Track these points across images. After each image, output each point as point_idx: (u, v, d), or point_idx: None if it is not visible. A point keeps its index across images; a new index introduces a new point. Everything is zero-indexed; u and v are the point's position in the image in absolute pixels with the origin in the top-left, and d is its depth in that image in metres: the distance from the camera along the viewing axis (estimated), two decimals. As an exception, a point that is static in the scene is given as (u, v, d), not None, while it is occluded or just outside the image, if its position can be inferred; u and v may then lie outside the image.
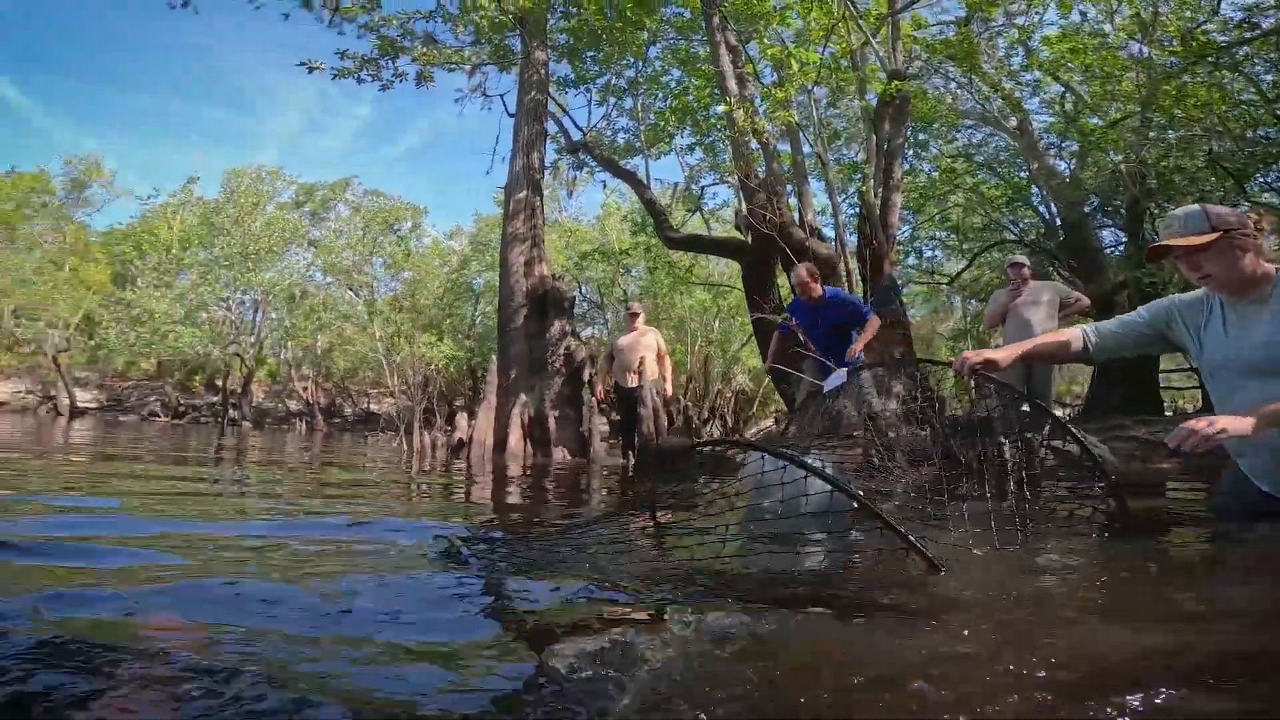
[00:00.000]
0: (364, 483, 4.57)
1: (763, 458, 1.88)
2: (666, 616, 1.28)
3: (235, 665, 0.96)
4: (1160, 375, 10.71)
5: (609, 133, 11.76)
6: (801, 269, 4.84)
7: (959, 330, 16.31)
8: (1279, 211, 2.81)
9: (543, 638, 1.18)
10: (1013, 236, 12.05)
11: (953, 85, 11.17)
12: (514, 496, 4.13)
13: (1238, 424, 1.60)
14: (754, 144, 7.95)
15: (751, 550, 1.82)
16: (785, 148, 9.03)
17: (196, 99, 75.45)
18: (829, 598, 1.40)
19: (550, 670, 1.01)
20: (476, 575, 1.69)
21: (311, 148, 71.66)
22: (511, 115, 9.81)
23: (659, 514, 2.08)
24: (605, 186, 16.39)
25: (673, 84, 10.96)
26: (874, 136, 7.83)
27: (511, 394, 7.85)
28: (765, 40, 8.79)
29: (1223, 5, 8.65)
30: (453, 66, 11.23)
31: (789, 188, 8.48)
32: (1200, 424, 1.59)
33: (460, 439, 7.86)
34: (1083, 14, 9.80)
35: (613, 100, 11.44)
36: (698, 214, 12.89)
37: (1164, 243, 1.82)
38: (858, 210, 8.27)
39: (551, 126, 10.41)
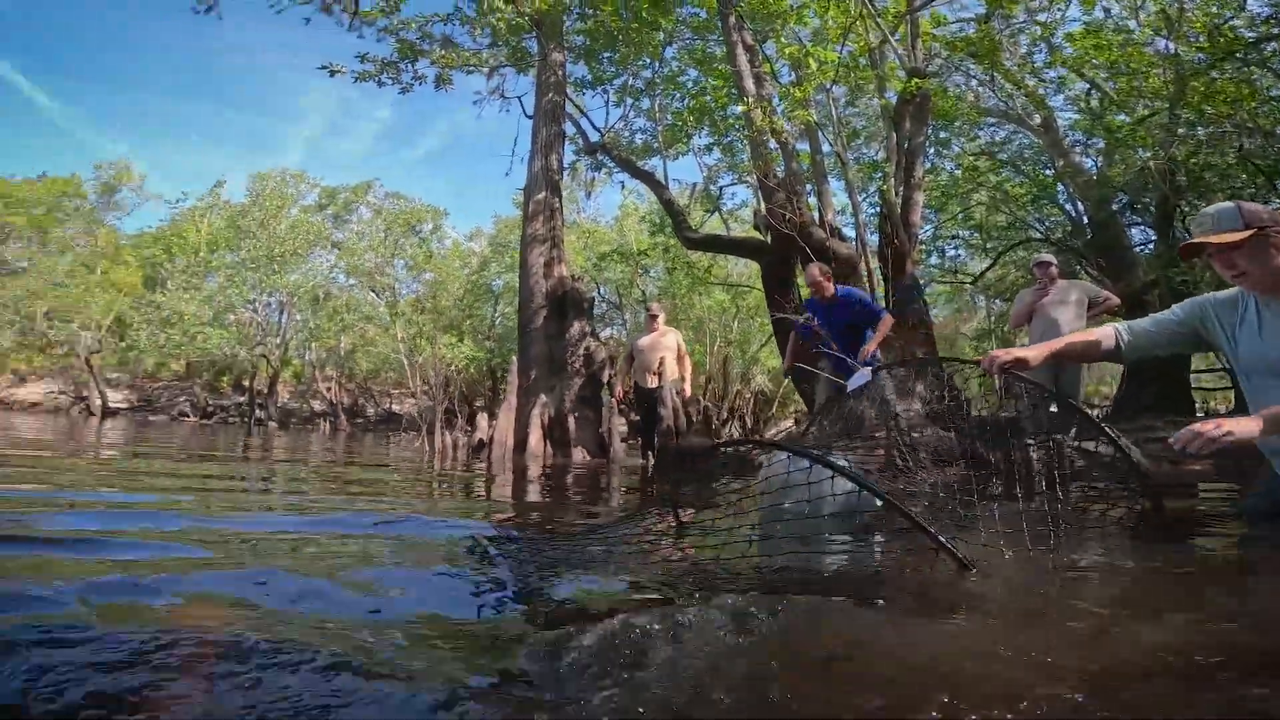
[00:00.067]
0: (388, 482, 4.63)
1: (789, 458, 1.88)
2: (683, 607, 1.29)
3: (272, 648, 0.99)
4: (1191, 375, 10.47)
5: (626, 133, 11.80)
6: (814, 268, 4.82)
7: (983, 330, 16.10)
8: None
9: (565, 627, 1.19)
10: (1038, 235, 11.86)
11: (974, 83, 11.04)
12: (535, 496, 4.16)
13: (1244, 427, 1.57)
14: (772, 143, 7.91)
15: (775, 550, 1.82)
16: (804, 147, 8.98)
17: (222, 103, 77.16)
18: (854, 593, 1.39)
19: (570, 657, 1.02)
20: (503, 572, 1.71)
21: (333, 151, 72.83)
22: (529, 117, 9.87)
23: (681, 513, 2.09)
24: (623, 187, 16.44)
25: (690, 84, 10.97)
26: (894, 135, 7.76)
27: (531, 394, 7.89)
28: (782, 39, 8.75)
29: (1249, 0, 8.47)
30: (471, 69, 11.33)
31: (808, 187, 8.44)
32: (1206, 426, 1.56)
33: (481, 439, 7.93)
34: (1106, 10, 9.63)
35: (630, 101, 11.47)
36: (716, 214, 12.88)
37: (1197, 240, 1.79)
38: (878, 209, 8.20)
39: (569, 128, 10.46)
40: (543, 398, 7.81)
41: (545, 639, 1.13)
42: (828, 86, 8.10)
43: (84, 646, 1.01)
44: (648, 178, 10.50)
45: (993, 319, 16.11)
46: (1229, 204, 1.79)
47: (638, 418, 7.71)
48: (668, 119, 10.97)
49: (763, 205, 8.43)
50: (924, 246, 12.28)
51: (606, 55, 11.06)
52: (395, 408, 24.16)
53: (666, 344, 6.48)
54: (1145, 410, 8.31)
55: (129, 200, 30.65)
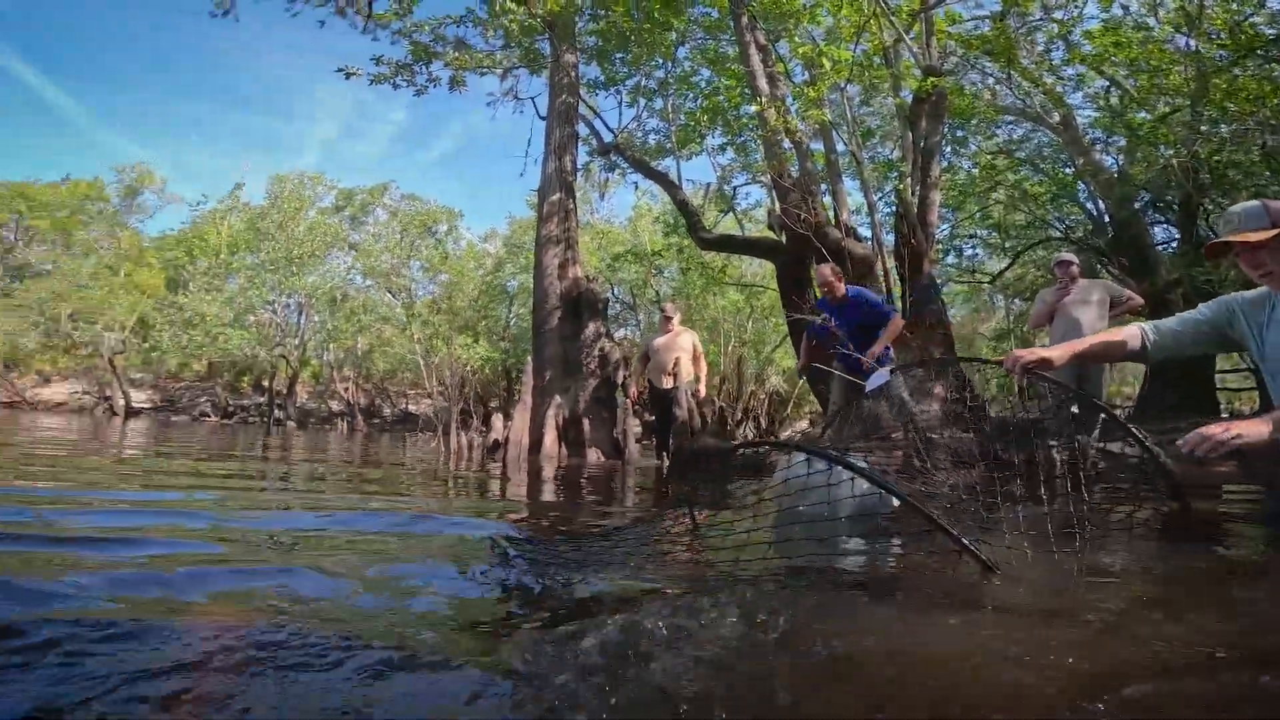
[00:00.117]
0: (404, 481, 4.67)
1: (807, 459, 1.87)
2: (697, 604, 1.29)
3: (302, 644, 1.00)
4: (1215, 376, 10.28)
5: (640, 134, 11.80)
6: (825, 268, 4.80)
7: (1001, 330, 15.91)
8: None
9: (577, 623, 1.20)
10: (1058, 234, 11.70)
11: (990, 80, 10.91)
12: (550, 496, 4.18)
13: (1254, 429, 1.54)
14: (786, 143, 7.88)
15: (791, 552, 1.82)
16: (818, 146, 8.92)
17: (240, 106, 78.29)
18: (874, 592, 1.39)
19: (582, 655, 1.03)
20: (522, 572, 1.72)
21: (349, 153, 73.44)
22: (543, 118, 9.91)
23: (697, 514, 2.09)
24: (637, 188, 16.46)
25: (702, 84, 10.94)
26: (910, 134, 7.70)
27: (546, 395, 7.92)
28: (795, 39, 8.71)
29: (1270, -3, 8.31)
30: (484, 70, 11.41)
31: (823, 187, 8.39)
32: (1214, 429, 1.54)
33: (496, 440, 7.96)
34: (1125, 7, 9.50)
35: (643, 101, 11.47)
36: (730, 214, 12.83)
37: (1223, 239, 1.77)
38: (894, 209, 8.14)
39: (583, 129, 10.49)
40: (557, 398, 7.83)
41: (559, 636, 1.14)
42: (842, 86, 8.05)
43: (117, 643, 1.03)
44: (661, 178, 10.49)
45: (1011, 319, 15.93)
46: (1255, 203, 1.76)
47: (652, 418, 7.71)
48: (681, 119, 10.96)
49: (777, 205, 8.39)
50: (941, 246, 12.14)
51: (619, 56, 11.07)
52: (411, 408, 24.35)
53: (681, 344, 6.47)
54: (1169, 411, 8.17)
55: (151, 203, 31.30)
